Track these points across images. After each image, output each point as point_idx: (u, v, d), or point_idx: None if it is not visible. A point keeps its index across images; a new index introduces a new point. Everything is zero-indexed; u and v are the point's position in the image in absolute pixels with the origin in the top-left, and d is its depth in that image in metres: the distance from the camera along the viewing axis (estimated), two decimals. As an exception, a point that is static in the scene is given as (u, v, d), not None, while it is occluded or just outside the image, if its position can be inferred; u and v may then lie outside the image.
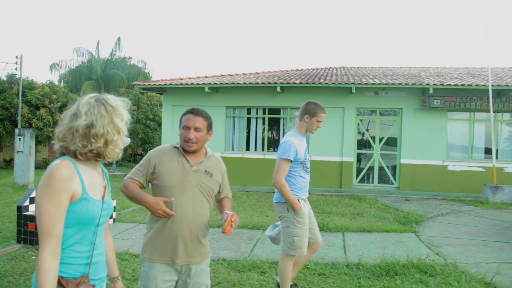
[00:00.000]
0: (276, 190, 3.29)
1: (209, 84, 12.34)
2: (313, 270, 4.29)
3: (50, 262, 1.38)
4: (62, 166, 1.44)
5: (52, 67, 22.43)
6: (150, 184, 2.26)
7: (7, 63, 18.92)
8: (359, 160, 12.46)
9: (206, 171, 2.23)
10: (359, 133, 12.35)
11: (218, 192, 2.33)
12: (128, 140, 14.87)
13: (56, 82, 23.58)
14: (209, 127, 2.26)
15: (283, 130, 12.84)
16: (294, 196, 3.16)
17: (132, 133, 21.03)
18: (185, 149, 2.21)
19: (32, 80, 20.41)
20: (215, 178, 2.26)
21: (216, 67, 72.47)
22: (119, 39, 23.23)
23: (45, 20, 75.39)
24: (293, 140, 3.18)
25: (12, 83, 19.30)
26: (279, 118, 12.91)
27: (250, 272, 4.22)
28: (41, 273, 1.37)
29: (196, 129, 2.18)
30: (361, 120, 12.33)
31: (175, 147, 2.26)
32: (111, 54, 23.19)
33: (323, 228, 6.23)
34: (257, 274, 4.17)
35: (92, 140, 1.50)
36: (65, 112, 1.59)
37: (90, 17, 71.45)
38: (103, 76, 22.12)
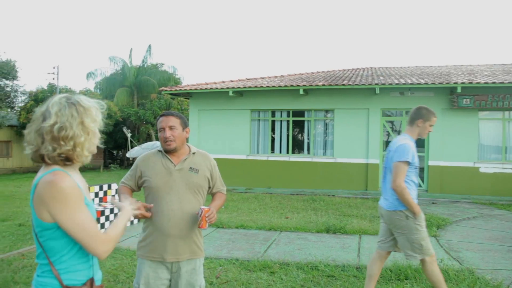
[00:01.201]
0: (387, 198, 3.23)
1: (233, 88, 12.51)
2: (323, 271, 4.31)
3: (114, 235, 1.49)
4: (64, 177, 1.38)
5: (89, 75, 23.57)
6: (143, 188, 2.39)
7: (49, 73, 20.06)
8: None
9: (191, 168, 2.27)
10: (385, 134, 12.11)
11: (209, 187, 2.36)
12: (159, 144, 15.28)
13: (92, 90, 24.78)
14: (184, 125, 2.31)
15: (308, 132, 12.80)
16: (413, 199, 3.09)
17: (163, 137, 21.66)
18: (166, 149, 2.27)
19: (70, 88, 21.58)
20: (201, 174, 2.29)
21: (243, 71, 73.05)
22: (150, 46, 24.03)
23: (83, 31, 79.03)
24: (409, 143, 3.14)
25: (53, 92, 20.49)
26: (303, 121, 12.86)
27: (260, 272, 4.30)
28: (118, 233, 1.52)
29: (171, 128, 2.26)
30: (386, 121, 12.08)
31: (159, 151, 2.35)
32: (143, 61, 24.01)
33: (340, 230, 6.21)
34: (266, 274, 4.24)
35: (62, 142, 1.41)
36: (34, 113, 1.49)
37: (123, 26, 74.22)
38: (136, 82, 22.94)
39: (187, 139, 2.38)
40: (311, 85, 11.76)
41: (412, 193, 3.12)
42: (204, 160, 2.36)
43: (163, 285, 2.24)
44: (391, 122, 12.20)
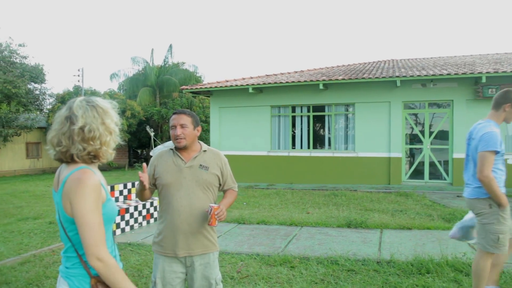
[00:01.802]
0: (468, 186, 3.10)
1: (253, 84, 12.55)
2: (343, 266, 4.32)
3: (114, 261, 1.45)
4: (92, 175, 1.45)
5: (112, 76, 24.13)
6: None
7: (74, 75, 20.65)
8: (411, 155, 11.97)
9: (201, 165, 2.32)
10: (407, 127, 11.87)
11: (220, 184, 2.40)
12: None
13: (116, 90, 25.39)
14: (195, 123, 2.36)
15: (328, 127, 12.71)
16: (501, 190, 2.91)
17: (185, 135, 21.97)
18: (177, 147, 2.33)
19: (94, 89, 22.15)
20: (211, 171, 2.33)
21: (262, 68, 72.92)
22: (170, 46, 24.34)
23: (105, 33, 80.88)
24: (495, 130, 2.96)
25: (78, 93, 21.11)
26: (323, 116, 12.77)
27: (280, 267, 4.35)
28: (117, 271, 1.44)
29: (182, 126, 2.30)
30: (409, 114, 11.84)
31: (171, 149, 2.41)
32: (164, 61, 24.35)
33: (361, 225, 6.18)
34: (286, 269, 4.29)
35: (91, 142, 1.51)
36: (55, 117, 1.57)
37: (145, 26, 75.44)
38: (158, 82, 23.32)
39: (198, 137, 2.44)
40: (331, 80, 11.67)
41: (501, 182, 2.95)
42: (215, 157, 2.40)
43: (178, 278, 2.30)
44: (414, 114, 11.94)
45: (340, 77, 11.71)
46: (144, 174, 2.24)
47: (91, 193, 1.43)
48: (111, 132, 1.57)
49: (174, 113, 2.38)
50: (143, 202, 6.66)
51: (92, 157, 1.54)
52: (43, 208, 8.69)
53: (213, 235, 2.40)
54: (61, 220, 1.53)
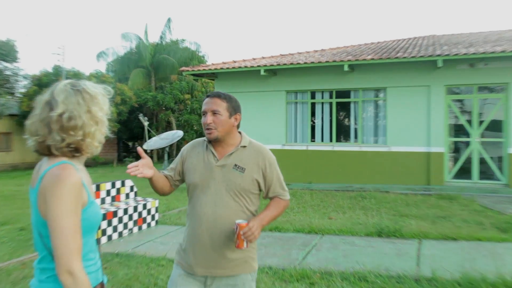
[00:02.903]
0: None
1: (266, 66, 12.49)
2: (373, 283, 4.23)
3: (87, 278, 1.46)
4: (72, 172, 1.47)
5: (99, 55, 24.27)
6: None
7: (54, 54, 20.69)
8: (455, 150, 11.76)
9: (235, 165, 2.23)
10: (451, 117, 11.65)
11: (260, 190, 2.28)
12: (180, 133, 15.59)
13: (103, 72, 25.51)
14: (232, 110, 2.26)
15: (355, 116, 12.58)
16: None
17: (185, 125, 22.08)
18: (209, 139, 2.26)
19: (78, 70, 22.29)
20: (248, 174, 2.22)
21: (276, 46, 72.57)
22: (169, 20, 24.34)
23: (92, 5, 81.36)
24: None
25: (59, 75, 21.23)
26: (349, 103, 12.65)
27: (297, 283, 4.28)
28: None
29: (214, 112, 2.21)
30: (453, 101, 11.60)
31: (205, 140, 2.35)
32: (161, 37, 24.40)
33: (394, 233, 6.12)
34: (304, 286, 4.22)
35: (71, 132, 1.52)
36: (36, 100, 1.59)
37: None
38: (153, 62, 23.39)
39: (238, 127, 2.33)
40: (358, 60, 11.51)
41: None
42: (256, 156, 2.28)
43: None
44: (459, 101, 11.70)
45: (369, 57, 11.55)
46: (135, 165, 2.15)
47: (69, 193, 1.44)
48: (97, 122, 1.59)
49: (206, 96, 2.30)
50: (135, 204, 6.64)
51: (72, 150, 1.56)
52: (12, 212, 8.64)
53: (248, 251, 2.26)
54: (36, 222, 1.54)
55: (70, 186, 1.44)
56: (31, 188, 1.57)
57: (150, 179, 2.25)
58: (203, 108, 2.27)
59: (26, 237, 6.45)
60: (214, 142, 2.29)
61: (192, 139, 22.35)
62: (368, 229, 6.44)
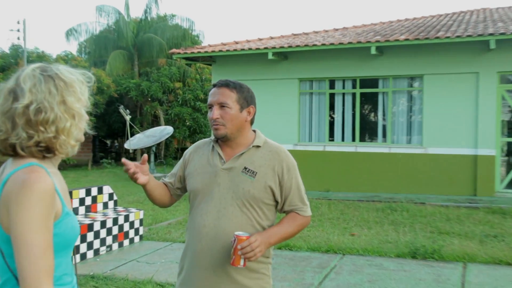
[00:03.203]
0: None
1: (274, 48, 12.49)
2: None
3: None
4: (42, 176, 1.45)
5: (69, 33, 24.26)
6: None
7: (12, 30, 20.71)
8: (509, 153, 11.73)
9: (245, 168, 2.23)
10: (505, 111, 11.61)
11: (276, 202, 2.29)
12: (170, 130, 15.61)
13: (74, 54, 25.60)
14: (244, 101, 2.28)
15: (383, 110, 12.57)
16: None
17: (176, 120, 22.14)
18: (215, 136, 2.30)
19: (43, 52, 22.35)
20: (260, 179, 2.22)
21: (287, 25, 72.47)
22: (156, -10, 24.39)
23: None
24: None
25: (18, 57, 21.30)
26: (376, 93, 12.65)
27: (312, 314, 4.30)
28: None
29: (221, 105, 2.23)
30: (507, 91, 11.56)
31: (212, 139, 2.39)
32: (146, 12, 24.40)
33: (432, 255, 6.14)
34: (322, 317, 4.24)
35: (41, 128, 1.49)
36: None
37: (122, -37, 75.65)
38: (136, 42, 23.45)
39: (251, 123, 2.35)
40: (388, 40, 11.50)
41: None
42: (272, 158, 2.28)
43: None
44: (508, 91, 11.66)
45: (402, 37, 11.52)
46: (131, 164, 2.19)
47: (39, 202, 1.41)
48: (73, 115, 1.56)
49: (213, 86, 2.32)
50: (115, 216, 6.68)
51: (43, 150, 1.53)
52: None
53: (260, 277, 2.26)
54: None
55: (40, 193, 1.42)
56: None
57: (145, 188, 2.29)
58: (209, 100, 2.30)
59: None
60: (222, 142, 2.31)
61: (184, 137, 22.61)
62: (400, 248, 6.42)
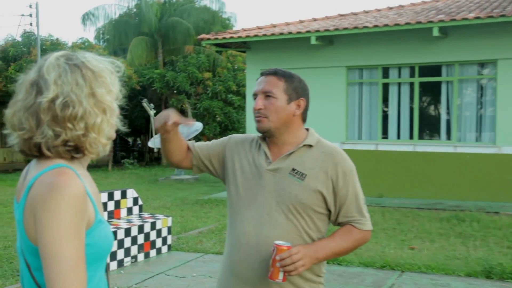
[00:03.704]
0: None
1: (318, 31, 12.45)
2: None
3: None
4: (73, 180, 1.45)
5: (85, 18, 24.80)
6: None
7: (23, 15, 21.12)
8: None
9: (293, 170, 2.23)
10: None
11: (329, 211, 2.27)
12: (199, 126, 15.94)
13: (92, 41, 26.05)
14: (293, 92, 2.28)
15: (447, 102, 12.39)
16: None
17: (205, 115, 22.30)
18: (258, 130, 2.30)
19: (57, 39, 22.84)
20: (310, 183, 2.22)
21: (331, 5, 71.95)
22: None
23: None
24: None
25: (30, 45, 21.80)
26: (438, 83, 12.49)
27: None
28: None
29: (266, 95, 2.24)
30: None
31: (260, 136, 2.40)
32: (171, -8, 24.73)
33: (511, 275, 5.98)
34: None
35: (68, 125, 1.49)
36: (18, 82, 1.58)
37: None
38: (160, 28, 23.73)
39: (303, 120, 2.34)
40: (455, 20, 11.31)
41: None
42: (326, 160, 2.27)
43: None
44: None
45: (471, 15, 11.32)
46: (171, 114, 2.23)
47: (69, 208, 1.40)
48: (104, 110, 1.55)
49: (261, 74, 2.34)
50: (141, 223, 6.73)
51: (71, 150, 1.52)
52: (7, 230, 8.86)
53: (310, 284, 2.26)
54: (23, 250, 1.53)
55: (70, 199, 1.41)
56: (15, 202, 1.57)
57: (167, 135, 2.30)
58: (254, 89, 2.31)
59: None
60: (268, 139, 2.30)
61: (214, 134, 22.70)
62: (470, 266, 6.33)
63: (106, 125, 1.57)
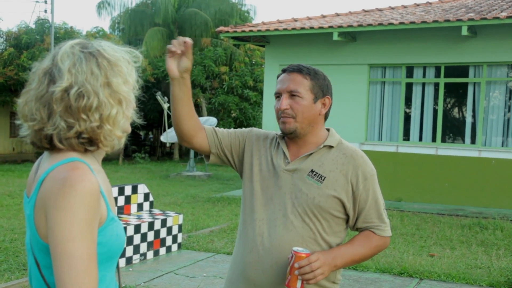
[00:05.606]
0: None
1: (341, 27, 12.42)
2: None
3: None
4: (86, 174, 1.45)
5: (101, 6, 24.96)
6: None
7: (38, 1, 21.23)
8: None
9: (312, 171, 2.22)
10: None
11: (347, 215, 2.26)
12: (213, 121, 15.94)
13: (107, 30, 26.21)
14: (319, 91, 2.26)
15: (473, 105, 12.30)
16: None
17: (220, 110, 22.34)
18: (281, 131, 2.29)
19: (71, 27, 23.04)
20: (329, 186, 2.21)
21: (356, 1, 71.66)
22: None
23: None
24: None
25: (44, 33, 21.99)
26: (465, 84, 12.45)
27: None
28: None
29: (292, 94, 2.22)
30: None
31: (280, 134, 2.38)
32: (189, -17, 24.80)
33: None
34: None
35: (83, 116, 1.47)
36: (31, 71, 1.57)
37: None
38: (176, 18, 23.82)
39: (325, 118, 2.32)
40: (485, 19, 11.21)
41: None
42: (346, 162, 2.26)
43: None
44: None
45: (504, 14, 11.21)
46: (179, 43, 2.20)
47: (82, 205, 1.40)
48: (120, 101, 1.54)
49: (282, 71, 2.31)
50: (151, 220, 6.76)
51: (85, 142, 1.51)
52: (14, 223, 8.88)
53: None
54: (32, 247, 1.53)
55: (84, 195, 1.40)
56: (26, 197, 1.57)
57: (177, 81, 2.21)
58: (277, 87, 2.28)
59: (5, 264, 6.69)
60: (288, 138, 2.29)
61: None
62: (493, 276, 6.30)
63: (122, 117, 1.56)
